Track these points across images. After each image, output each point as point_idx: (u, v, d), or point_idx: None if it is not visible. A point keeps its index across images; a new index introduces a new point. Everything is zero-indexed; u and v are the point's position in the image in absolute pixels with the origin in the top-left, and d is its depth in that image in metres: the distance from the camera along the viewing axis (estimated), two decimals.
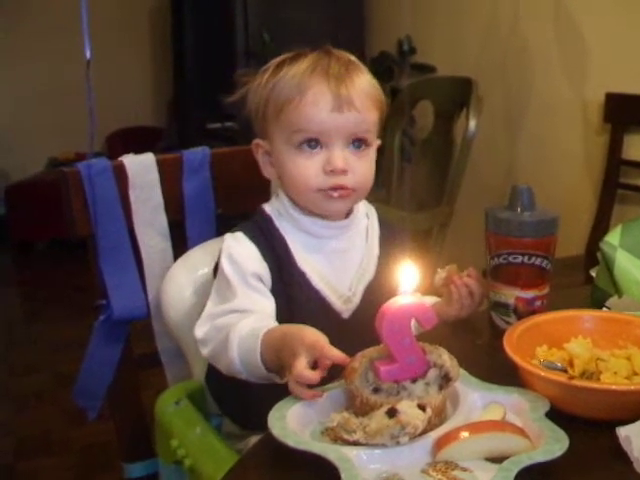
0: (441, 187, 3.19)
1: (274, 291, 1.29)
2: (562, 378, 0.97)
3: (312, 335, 1.05)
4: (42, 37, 5.38)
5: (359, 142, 1.29)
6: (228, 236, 1.33)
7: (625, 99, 2.80)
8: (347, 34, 4.07)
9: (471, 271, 1.34)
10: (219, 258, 1.32)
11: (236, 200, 1.64)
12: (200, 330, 1.26)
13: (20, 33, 5.41)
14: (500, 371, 1.05)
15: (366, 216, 1.41)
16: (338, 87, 1.25)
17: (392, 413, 0.89)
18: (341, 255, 1.35)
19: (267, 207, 1.37)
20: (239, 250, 1.29)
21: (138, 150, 1.61)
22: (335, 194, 1.28)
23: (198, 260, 1.54)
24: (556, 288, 1.36)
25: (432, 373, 0.98)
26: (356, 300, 1.34)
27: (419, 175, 3.46)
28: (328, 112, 1.25)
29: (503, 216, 1.27)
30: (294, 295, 1.30)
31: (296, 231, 1.33)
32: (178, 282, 1.52)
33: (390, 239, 1.41)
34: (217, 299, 1.29)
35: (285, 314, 1.27)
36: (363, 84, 1.29)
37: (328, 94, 1.25)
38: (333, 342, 1.04)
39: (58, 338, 3.76)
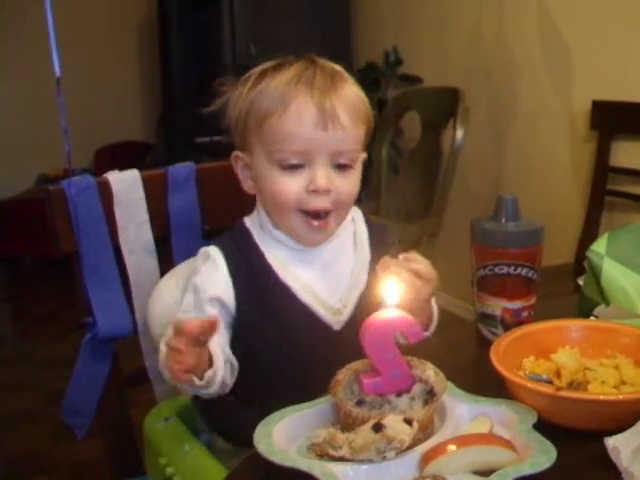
0: (429, 198, 3.18)
1: (247, 309, 1.26)
2: (549, 389, 0.96)
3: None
4: (30, 53, 5.36)
5: (343, 166, 1.25)
6: (201, 251, 1.31)
7: (611, 106, 2.81)
8: (334, 45, 4.08)
9: (407, 254, 1.21)
10: (186, 272, 1.31)
11: (223, 215, 1.63)
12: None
13: (11, 49, 5.40)
14: (488, 383, 1.04)
15: (352, 221, 1.37)
16: (322, 101, 1.21)
17: (378, 428, 0.89)
18: (330, 267, 1.31)
19: (248, 220, 1.35)
20: (205, 269, 1.27)
21: (126, 165, 1.61)
22: (315, 223, 1.24)
23: (184, 276, 1.52)
24: (545, 297, 1.35)
25: (417, 388, 0.97)
26: (347, 311, 1.29)
27: (407, 186, 3.45)
28: (312, 128, 1.20)
29: (488, 227, 1.27)
30: (277, 309, 1.27)
31: (279, 245, 1.30)
32: (164, 299, 1.51)
33: (380, 240, 1.37)
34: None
35: (272, 329, 1.26)
36: (349, 97, 1.25)
37: (312, 108, 1.20)
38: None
39: (47, 355, 3.74)
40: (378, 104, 3.75)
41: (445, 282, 1.31)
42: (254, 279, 1.27)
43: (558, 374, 1.07)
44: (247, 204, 1.48)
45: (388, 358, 0.95)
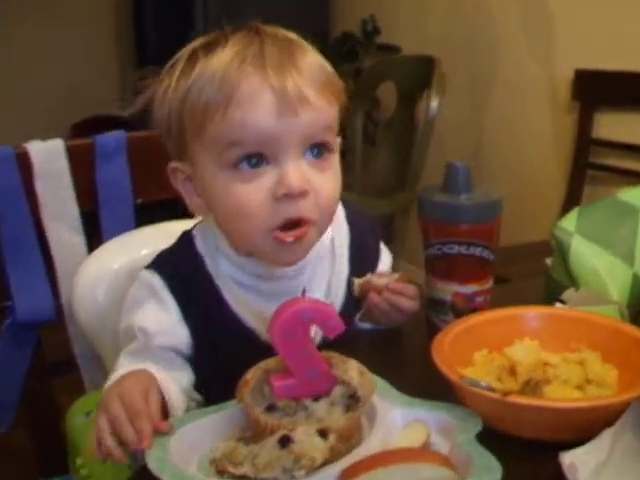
0: (404, 171, 3.07)
1: (204, 354, 1.05)
2: (496, 394, 0.80)
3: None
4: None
5: (319, 148, 0.97)
6: (144, 279, 1.06)
7: (595, 75, 2.74)
8: (310, 16, 3.96)
9: (394, 284, 1.08)
10: (129, 299, 1.08)
11: (157, 188, 1.50)
12: None
13: None
14: (436, 382, 0.88)
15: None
16: (282, 80, 0.92)
17: (285, 442, 0.74)
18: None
19: (199, 239, 1.08)
20: (151, 309, 1.04)
21: None
22: (289, 238, 0.95)
23: (112, 255, 1.38)
24: (521, 276, 1.24)
25: (337, 391, 0.82)
26: (319, 339, 0.99)
27: (381, 159, 3.34)
28: (273, 116, 0.92)
29: (436, 199, 1.10)
30: (239, 354, 0.98)
31: (240, 273, 1.05)
32: (90, 280, 1.36)
33: (362, 250, 1.14)
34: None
35: (232, 372, 0.96)
36: (314, 70, 0.96)
37: (268, 91, 0.92)
38: None
39: None
40: (355, 74, 3.64)
41: (417, 259, 1.20)
42: (211, 324, 1.04)
43: (513, 371, 0.92)
44: None
45: (303, 355, 0.80)
